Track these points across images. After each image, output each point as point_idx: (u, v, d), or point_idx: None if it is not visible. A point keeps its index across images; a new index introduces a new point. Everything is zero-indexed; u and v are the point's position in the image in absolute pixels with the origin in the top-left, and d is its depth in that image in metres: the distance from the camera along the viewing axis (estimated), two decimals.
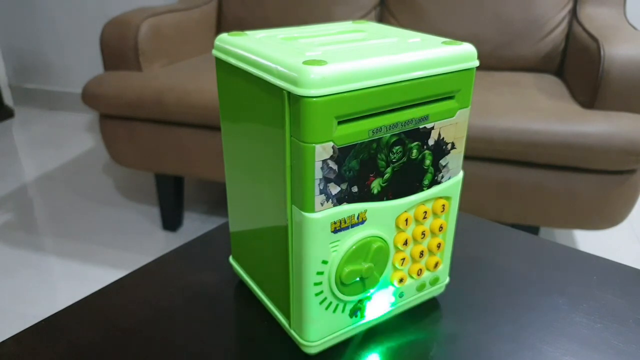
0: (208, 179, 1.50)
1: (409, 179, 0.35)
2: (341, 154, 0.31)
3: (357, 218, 0.33)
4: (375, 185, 0.33)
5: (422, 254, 0.38)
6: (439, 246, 0.39)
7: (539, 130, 1.17)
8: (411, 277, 0.39)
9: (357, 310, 0.37)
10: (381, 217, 0.34)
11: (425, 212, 0.37)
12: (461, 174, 0.38)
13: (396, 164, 0.34)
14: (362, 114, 0.30)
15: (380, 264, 0.36)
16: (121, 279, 0.45)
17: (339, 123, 0.30)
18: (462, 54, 0.33)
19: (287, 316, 0.37)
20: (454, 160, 0.37)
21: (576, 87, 1.35)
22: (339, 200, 0.32)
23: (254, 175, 0.36)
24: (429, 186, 0.36)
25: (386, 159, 0.33)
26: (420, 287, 0.40)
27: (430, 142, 0.35)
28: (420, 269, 0.39)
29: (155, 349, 0.38)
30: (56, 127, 2.42)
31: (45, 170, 2.01)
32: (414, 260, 0.38)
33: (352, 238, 0.34)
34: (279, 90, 0.30)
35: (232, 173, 0.40)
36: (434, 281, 0.41)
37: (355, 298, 0.36)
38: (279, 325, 0.39)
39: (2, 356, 0.37)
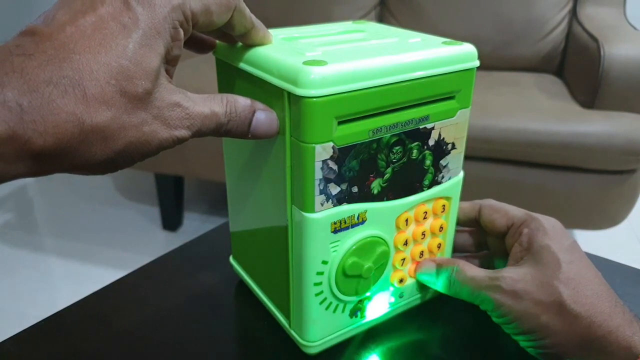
0: (208, 179, 1.50)
1: (409, 179, 0.35)
2: (341, 154, 0.31)
3: (357, 218, 0.33)
4: (376, 186, 0.33)
5: (422, 254, 0.38)
6: (439, 246, 0.39)
7: (539, 130, 1.17)
8: (411, 277, 0.39)
9: (357, 310, 0.37)
10: (381, 217, 0.34)
11: (426, 212, 0.37)
12: (461, 174, 0.38)
13: (396, 164, 0.34)
14: (362, 114, 0.30)
15: (381, 264, 0.36)
16: (121, 279, 0.45)
17: (339, 123, 0.30)
18: (462, 54, 0.33)
19: (287, 316, 0.37)
20: (455, 161, 0.37)
21: (576, 87, 1.35)
22: (339, 200, 0.32)
23: (254, 176, 0.36)
24: (429, 186, 0.36)
25: (386, 159, 0.33)
26: (421, 287, 0.40)
27: (431, 142, 0.35)
28: None
29: (155, 349, 0.38)
30: None
31: None
32: (414, 261, 0.38)
33: (352, 238, 0.34)
34: (279, 90, 0.30)
35: (232, 173, 0.40)
36: None
37: (355, 298, 0.36)
38: (279, 325, 0.39)
39: (2, 356, 0.37)
